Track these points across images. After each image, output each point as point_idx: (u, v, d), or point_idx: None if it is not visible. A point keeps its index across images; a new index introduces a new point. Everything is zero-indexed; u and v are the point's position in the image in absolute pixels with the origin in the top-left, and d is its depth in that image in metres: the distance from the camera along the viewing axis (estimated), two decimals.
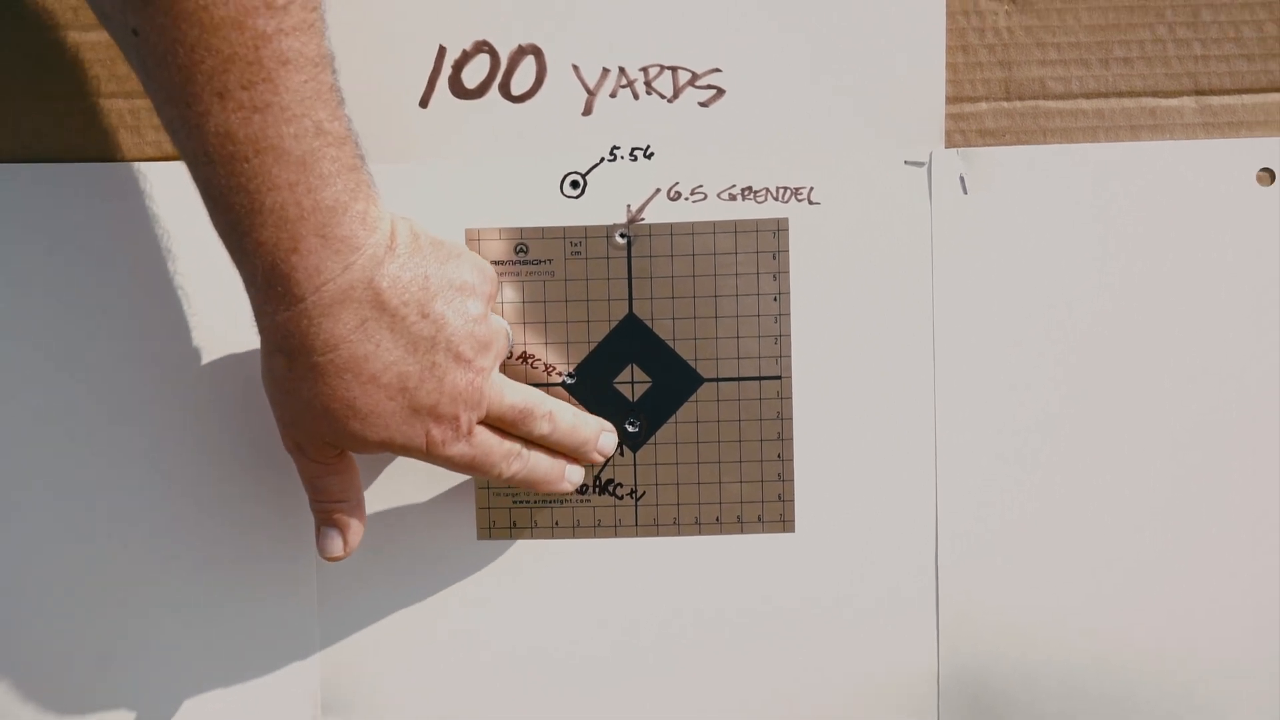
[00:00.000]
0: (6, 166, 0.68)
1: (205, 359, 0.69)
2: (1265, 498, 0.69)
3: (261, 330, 0.58)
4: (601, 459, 0.68)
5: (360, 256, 0.56)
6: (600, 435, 0.68)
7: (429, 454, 0.61)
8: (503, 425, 0.64)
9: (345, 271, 0.56)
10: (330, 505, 0.63)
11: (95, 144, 0.68)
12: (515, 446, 0.64)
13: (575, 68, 0.67)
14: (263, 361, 0.60)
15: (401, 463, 0.70)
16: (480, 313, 0.61)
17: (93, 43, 0.67)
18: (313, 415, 0.59)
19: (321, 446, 0.61)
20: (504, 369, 0.67)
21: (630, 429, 0.70)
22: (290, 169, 0.54)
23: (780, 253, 0.69)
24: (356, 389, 0.58)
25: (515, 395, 0.64)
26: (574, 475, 0.67)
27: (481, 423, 0.62)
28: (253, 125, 0.52)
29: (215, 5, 0.51)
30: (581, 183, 0.68)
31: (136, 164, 0.68)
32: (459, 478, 0.70)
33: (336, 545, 0.64)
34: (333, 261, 0.56)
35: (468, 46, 0.67)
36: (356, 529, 0.64)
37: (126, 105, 0.68)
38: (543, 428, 0.65)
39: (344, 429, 0.59)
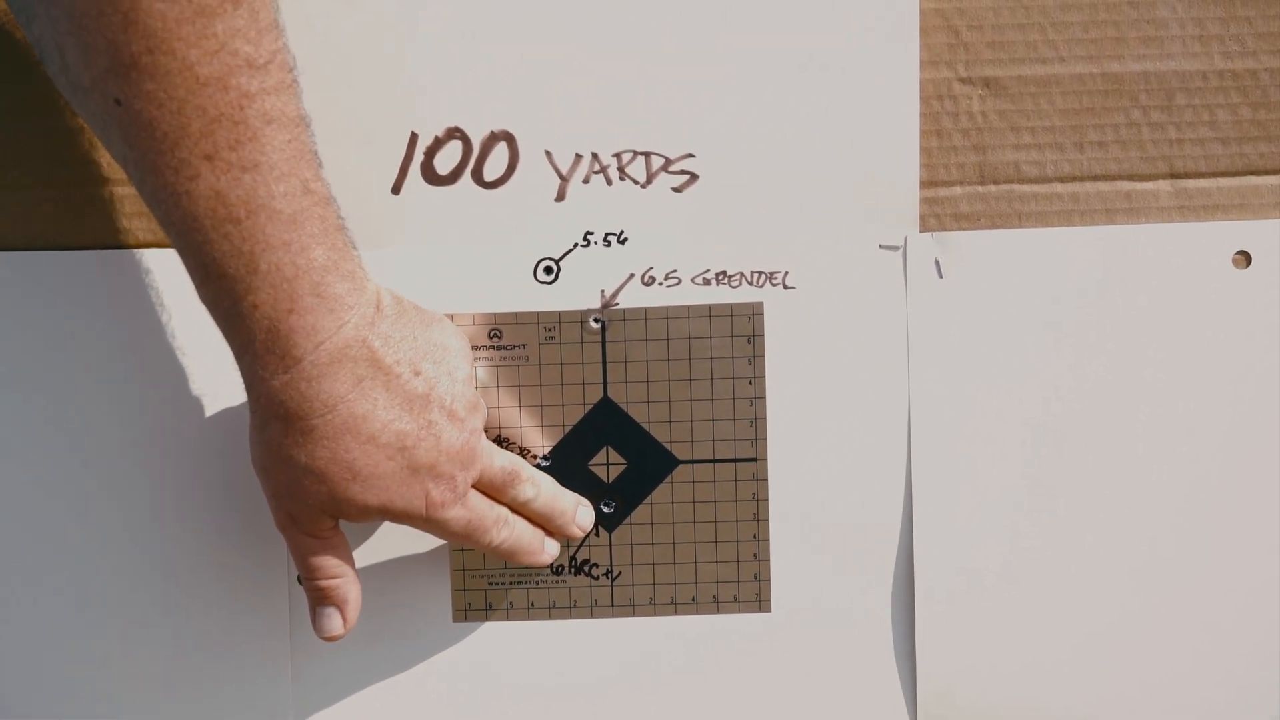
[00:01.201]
0: None
1: (187, 443, 0.69)
2: (1242, 563, 0.69)
3: (255, 400, 0.58)
4: (580, 533, 0.68)
5: (353, 315, 0.57)
6: (578, 508, 0.68)
7: (427, 516, 0.61)
8: (491, 489, 0.64)
9: (340, 330, 0.56)
10: (325, 583, 0.63)
11: (70, 232, 0.68)
12: (504, 512, 0.64)
13: (548, 154, 0.67)
14: (254, 435, 0.59)
15: (375, 545, 0.70)
16: (467, 374, 0.62)
17: (63, 129, 0.67)
18: (311, 481, 0.58)
19: (317, 517, 0.61)
20: None
21: (606, 510, 0.70)
22: (283, 228, 0.54)
23: (755, 337, 0.69)
24: (356, 449, 0.58)
25: (503, 458, 0.64)
26: (551, 547, 0.67)
27: (473, 486, 0.63)
28: (243, 185, 0.53)
29: (200, 64, 0.51)
30: (555, 268, 0.68)
31: (116, 251, 0.68)
32: (435, 558, 0.70)
33: (335, 624, 0.64)
34: (328, 320, 0.56)
35: (440, 133, 0.67)
36: (354, 605, 0.64)
37: (104, 192, 0.68)
38: (528, 491, 0.65)
39: (343, 493, 0.59)
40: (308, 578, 0.63)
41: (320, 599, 0.63)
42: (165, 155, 0.52)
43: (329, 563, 0.63)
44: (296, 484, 0.59)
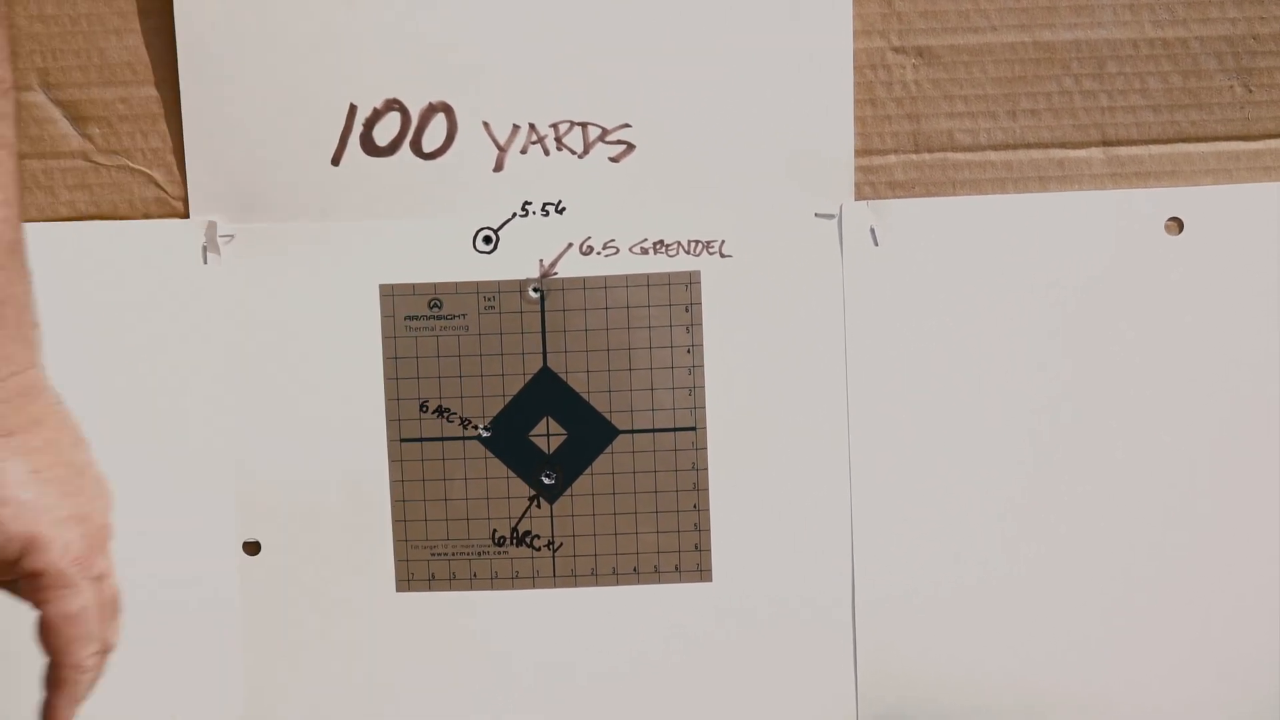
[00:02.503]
0: None
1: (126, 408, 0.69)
2: (1181, 542, 0.70)
3: None
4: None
5: (39, 363, 0.54)
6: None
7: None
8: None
9: (30, 369, 0.53)
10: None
11: None
12: None
13: (486, 124, 0.68)
14: None
15: (316, 516, 0.70)
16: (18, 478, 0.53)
17: None
18: None
19: None
20: (420, 423, 0.69)
21: (547, 481, 0.70)
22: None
23: (693, 305, 0.69)
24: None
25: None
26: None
27: None
28: None
29: None
30: (494, 238, 0.69)
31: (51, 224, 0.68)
32: (377, 530, 0.70)
33: None
34: (25, 353, 0.53)
35: (379, 104, 0.68)
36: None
37: (40, 166, 0.68)
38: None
39: None
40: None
41: None
42: None
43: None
44: None
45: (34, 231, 0.66)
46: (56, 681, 0.54)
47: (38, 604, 0.53)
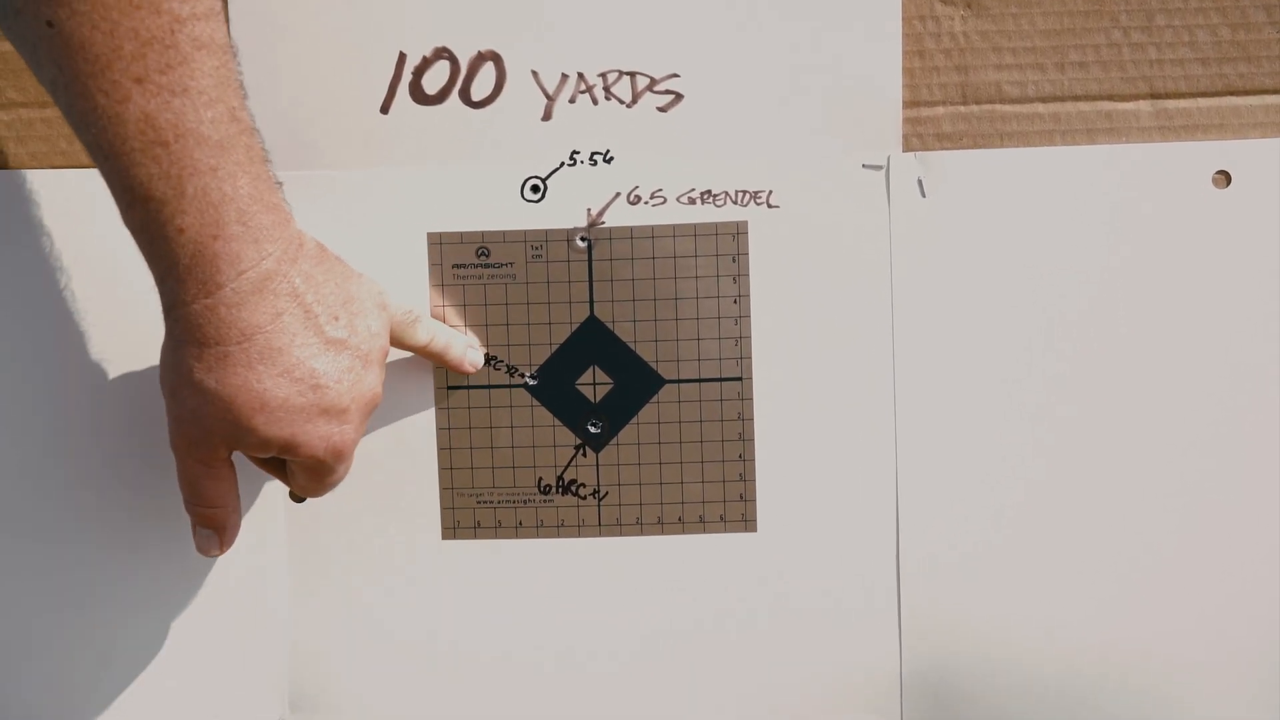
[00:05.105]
0: None
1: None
2: (1223, 500, 0.70)
3: (173, 322, 0.57)
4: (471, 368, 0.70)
5: (277, 248, 0.57)
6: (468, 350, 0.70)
7: (321, 460, 0.61)
8: None
9: (263, 261, 0.56)
10: (207, 511, 0.63)
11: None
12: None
13: (534, 73, 0.68)
14: (166, 356, 0.59)
15: (364, 463, 0.70)
16: (380, 329, 0.62)
17: None
18: (218, 407, 0.58)
19: (214, 446, 0.60)
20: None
21: (593, 430, 0.71)
22: (210, 153, 0.54)
23: (740, 255, 0.69)
24: (269, 381, 0.58)
25: None
26: None
27: None
28: (172, 109, 0.53)
29: None
30: (542, 187, 0.69)
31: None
32: (423, 477, 0.71)
33: (212, 546, 0.64)
34: (252, 250, 0.56)
35: (428, 53, 0.68)
36: (232, 531, 0.64)
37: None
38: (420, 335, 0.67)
39: (247, 423, 0.58)
40: (191, 502, 0.63)
41: (200, 522, 0.64)
42: (96, 78, 0.52)
43: (213, 492, 0.62)
44: (201, 410, 0.58)
45: (78, 178, 0.67)
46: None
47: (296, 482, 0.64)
